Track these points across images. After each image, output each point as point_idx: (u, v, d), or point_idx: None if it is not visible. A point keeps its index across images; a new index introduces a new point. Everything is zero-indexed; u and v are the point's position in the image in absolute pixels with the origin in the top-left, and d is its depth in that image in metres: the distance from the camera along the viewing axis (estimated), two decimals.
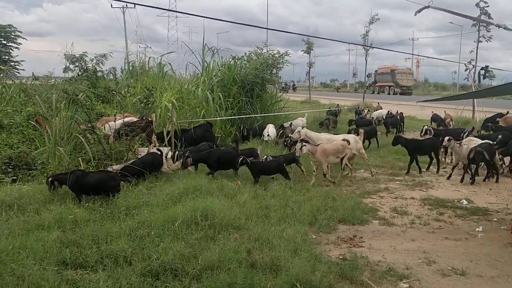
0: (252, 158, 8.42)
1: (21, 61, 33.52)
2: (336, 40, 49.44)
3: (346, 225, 6.16)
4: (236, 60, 15.22)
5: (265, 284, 4.05)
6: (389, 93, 54.29)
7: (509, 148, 9.79)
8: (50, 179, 6.51)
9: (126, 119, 9.90)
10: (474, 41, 22.18)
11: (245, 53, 15.94)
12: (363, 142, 12.21)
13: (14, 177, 7.54)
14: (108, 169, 7.56)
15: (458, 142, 9.41)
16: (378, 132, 13.54)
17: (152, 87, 11.54)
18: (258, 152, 9.15)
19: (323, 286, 4.10)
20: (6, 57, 32.53)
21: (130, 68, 18.71)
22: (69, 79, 16.94)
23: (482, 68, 9.71)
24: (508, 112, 14.96)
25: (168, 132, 10.44)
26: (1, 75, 17.22)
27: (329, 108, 21.67)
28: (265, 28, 34.85)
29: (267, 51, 16.22)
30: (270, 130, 12.14)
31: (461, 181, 8.75)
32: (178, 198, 6.47)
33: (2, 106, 11.27)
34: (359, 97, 35.20)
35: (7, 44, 33.44)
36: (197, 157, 8.46)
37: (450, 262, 4.89)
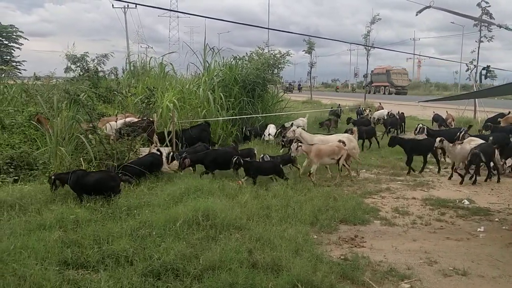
0: (248, 158, 8.42)
1: (23, 61, 33.60)
2: (337, 40, 49.50)
3: (347, 225, 6.15)
4: (238, 60, 15.24)
5: (266, 284, 4.05)
6: (384, 93, 54.89)
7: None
8: (52, 178, 6.54)
9: (126, 119, 9.91)
10: (476, 41, 22.11)
11: (246, 53, 15.99)
12: (357, 140, 12.29)
13: (16, 177, 7.55)
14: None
15: (459, 142, 9.40)
16: (378, 132, 13.53)
17: (153, 87, 11.56)
18: (255, 152, 9.15)
19: (324, 286, 4.09)
20: (8, 57, 32.59)
21: (132, 68, 18.75)
22: (71, 79, 16.95)
23: (483, 68, 9.70)
24: (509, 112, 14.92)
25: (169, 132, 10.45)
26: (3, 75, 17.24)
27: (331, 108, 21.67)
28: (266, 28, 34.87)
29: (269, 51, 16.26)
30: (271, 130, 12.15)
31: (461, 183, 8.73)
32: (180, 198, 6.48)
33: (4, 106, 11.29)
34: (359, 97, 35.20)
35: (9, 44, 33.50)
36: (194, 158, 8.43)
37: (452, 262, 4.88)
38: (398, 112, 17.27)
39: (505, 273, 4.63)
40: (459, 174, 9.16)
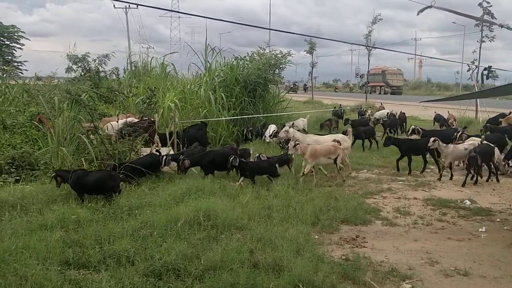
0: (242, 158, 8.40)
1: (24, 61, 33.52)
2: (339, 41, 49.38)
3: (348, 226, 6.15)
4: (239, 60, 15.25)
5: (267, 284, 4.05)
6: (380, 93, 55.35)
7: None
8: (54, 174, 6.62)
9: (127, 120, 9.91)
10: (477, 41, 22.01)
11: (247, 53, 16.01)
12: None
13: (17, 177, 7.56)
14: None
15: (461, 142, 9.40)
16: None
17: (154, 87, 11.56)
18: (251, 152, 9.13)
19: (325, 287, 4.09)
20: (9, 57, 32.55)
21: (133, 69, 18.78)
22: (72, 80, 16.98)
23: (485, 69, 9.67)
24: (510, 112, 14.89)
25: (170, 132, 10.46)
26: (4, 75, 17.25)
27: (334, 108, 21.65)
28: (267, 29, 34.82)
29: (270, 51, 16.26)
30: (272, 131, 12.13)
31: (463, 185, 8.71)
32: (181, 199, 6.48)
33: (5, 106, 11.30)
34: (359, 97, 35.11)
35: (10, 44, 33.45)
36: (192, 159, 8.38)
37: (453, 263, 4.88)
38: (400, 112, 17.25)
39: (507, 274, 4.63)
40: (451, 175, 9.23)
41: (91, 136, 8.84)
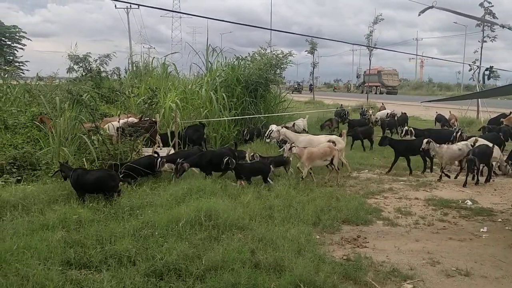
0: (239, 160, 8.38)
1: (26, 61, 33.59)
2: (340, 41, 49.33)
3: (350, 226, 6.15)
4: (240, 61, 15.24)
5: (268, 284, 4.05)
6: (376, 93, 55.71)
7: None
8: (59, 167, 6.74)
9: (128, 120, 9.90)
10: (479, 41, 22.03)
11: (248, 53, 16.00)
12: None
13: (19, 177, 7.57)
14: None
15: (459, 142, 9.41)
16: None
17: (156, 87, 11.55)
18: (246, 154, 9.12)
19: (327, 287, 4.09)
20: (11, 57, 32.62)
21: (134, 69, 18.78)
22: (73, 80, 17.01)
23: (486, 69, 9.65)
24: (511, 113, 14.88)
25: (172, 133, 10.46)
26: (6, 75, 17.28)
27: (337, 108, 21.63)
28: (268, 29, 34.83)
29: (271, 51, 16.24)
30: (268, 131, 12.09)
31: (464, 185, 8.70)
32: (182, 199, 6.49)
33: (7, 106, 11.34)
34: (359, 97, 35.05)
35: (12, 44, 33.52)
36: (189, 161, 8.30)
37: (455, 263, 4.88)
38: (402, 113, 17.21)
39: (508, 274, 4.62)
40: (446, 175, 9.23)
41: (92, 136, 8.84)
